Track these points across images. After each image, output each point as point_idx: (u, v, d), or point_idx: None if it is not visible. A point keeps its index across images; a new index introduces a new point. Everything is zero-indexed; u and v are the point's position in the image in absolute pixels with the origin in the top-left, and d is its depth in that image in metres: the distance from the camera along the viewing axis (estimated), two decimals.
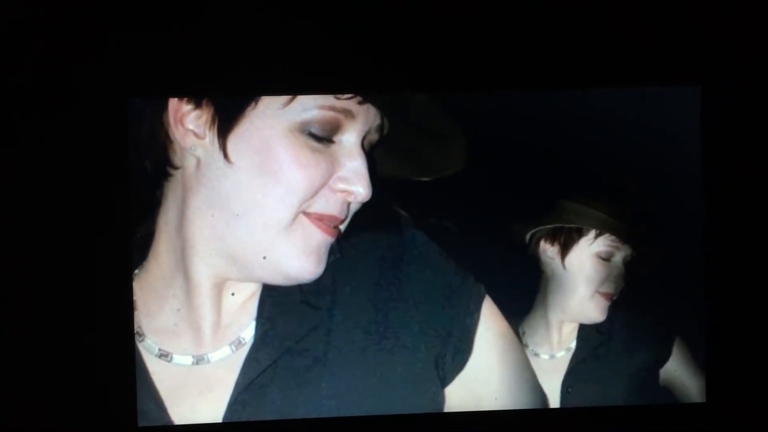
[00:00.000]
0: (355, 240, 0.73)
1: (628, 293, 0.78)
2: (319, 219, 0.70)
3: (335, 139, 0.70)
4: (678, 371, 0.79)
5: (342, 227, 0.72)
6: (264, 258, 0.70)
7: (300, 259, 0.70)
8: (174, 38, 0.75)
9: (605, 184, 0.77)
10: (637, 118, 0.77)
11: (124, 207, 0.74)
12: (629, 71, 0.78)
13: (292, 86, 0.70)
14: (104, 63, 0.75)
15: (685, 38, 0.78)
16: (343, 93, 0.70)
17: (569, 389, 0.78)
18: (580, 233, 0.78)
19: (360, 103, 0.70)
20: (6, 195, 0.75)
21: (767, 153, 0.79)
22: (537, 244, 0.78)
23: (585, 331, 0.79)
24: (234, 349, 0.72)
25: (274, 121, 0.69)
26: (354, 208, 0.72)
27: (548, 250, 0.78)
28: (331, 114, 0.69)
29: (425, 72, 0.76)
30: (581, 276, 0.78)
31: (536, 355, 0.79)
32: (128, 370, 0.73)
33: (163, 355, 0.73)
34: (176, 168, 0.71)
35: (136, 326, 0.73)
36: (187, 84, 0.73)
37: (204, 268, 0.71)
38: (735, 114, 0.78)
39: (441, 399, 0.74)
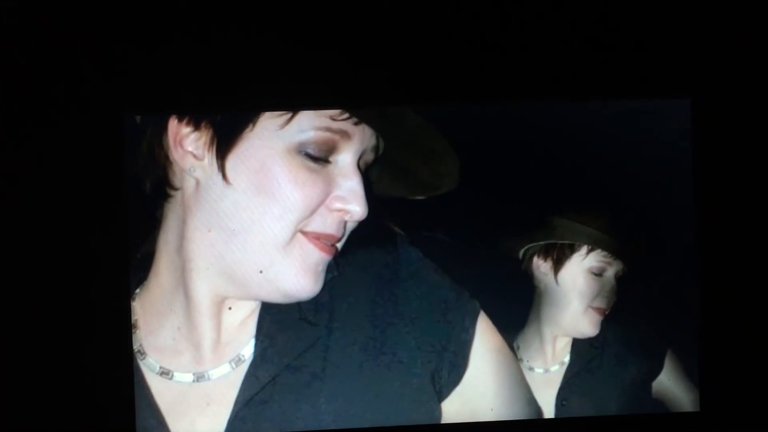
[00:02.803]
0: (352, 258, 0.74)
1: (620, 307, 0.79)
2: (316, 237, 0.71)
3: (331, 159, 0.71)
4: (670, 383, 0.80)
5: (339, 245, 0.73)
6: (261, 273, 0.71)
7: (298, 276, 0.71)
8: (170, 56, 0.76)
9: (596, 199, 0.78)
10: (626, 133, 0.78)
11: (125, 226, 0.75)
12: (619, 85, 0.79)
13: (287, 103, 0.71)
14: (103, 81, 0.76)
15: (675, 52, 0.79)
16: (338, 108, 0.71)
17: (564, 402, 0.79)
18: (572, 249, 0.79)
19: (355, 123, 0.71)
20: (6, 212, 0.75)
21: (758, 165, 0.80)
22: (530, 260, 0.79)
23: (578, 345, 0.80)
24: (234, 366, 0.73)
25: (271, 142, 0.70)
26: (350, 226, 0.73)
27: (541, 266, 0.79)
28: (327, 135, 0.70)
29: (417, 84, 0.77)
30: (574, 291, 0.79)
31: (531, 369, 0.79)
32: (128, 387, 0.74)
33: (164, 373, 0.74)
34: (176, 189, 0.72)
35: (137, 344, 0.74)
36: (182, 102, 0.74)
37: (203, 287, 0.72)
38: (725, 126, 0.79)
39: (438, 413, 0.75)
